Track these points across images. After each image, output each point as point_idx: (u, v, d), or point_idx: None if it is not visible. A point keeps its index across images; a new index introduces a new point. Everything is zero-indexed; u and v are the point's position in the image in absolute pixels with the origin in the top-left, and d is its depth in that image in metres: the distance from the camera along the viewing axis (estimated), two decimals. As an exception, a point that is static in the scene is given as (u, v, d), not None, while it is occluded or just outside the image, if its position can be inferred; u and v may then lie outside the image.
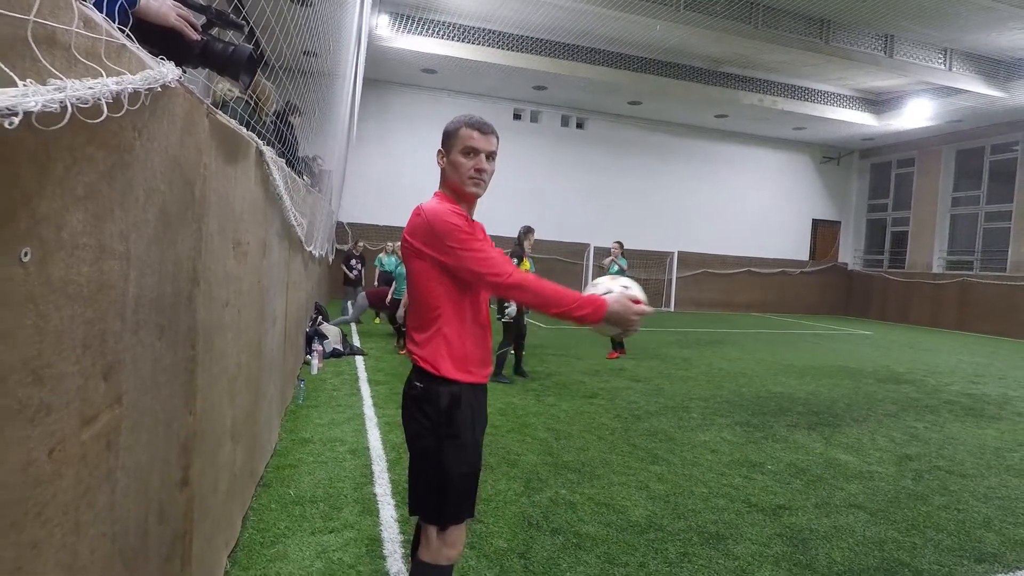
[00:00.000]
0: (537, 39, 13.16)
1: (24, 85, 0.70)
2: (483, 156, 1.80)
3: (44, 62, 0.77)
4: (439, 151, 1.87)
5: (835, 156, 20.04)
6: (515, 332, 6.67)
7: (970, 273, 16.50)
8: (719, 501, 3.53)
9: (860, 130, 17.12)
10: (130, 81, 0.99)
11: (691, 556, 2.86)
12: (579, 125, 17.39)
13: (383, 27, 12.02)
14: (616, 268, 8.70)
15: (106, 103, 0.91)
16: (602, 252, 17.40)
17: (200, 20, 1.85)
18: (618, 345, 8.61)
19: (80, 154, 0.94)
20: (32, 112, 0.68)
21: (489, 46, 12.90)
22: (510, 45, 13.06)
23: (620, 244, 9.20)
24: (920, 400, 6.70)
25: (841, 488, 3.85)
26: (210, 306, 1.93)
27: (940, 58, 12.91)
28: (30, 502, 0.84)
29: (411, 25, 12.34)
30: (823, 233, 20.30)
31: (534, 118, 16.76)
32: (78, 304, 0.96)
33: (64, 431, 0.93)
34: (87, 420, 1.02)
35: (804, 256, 20.07)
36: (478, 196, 1.85)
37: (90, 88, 0.83)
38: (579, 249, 17.14)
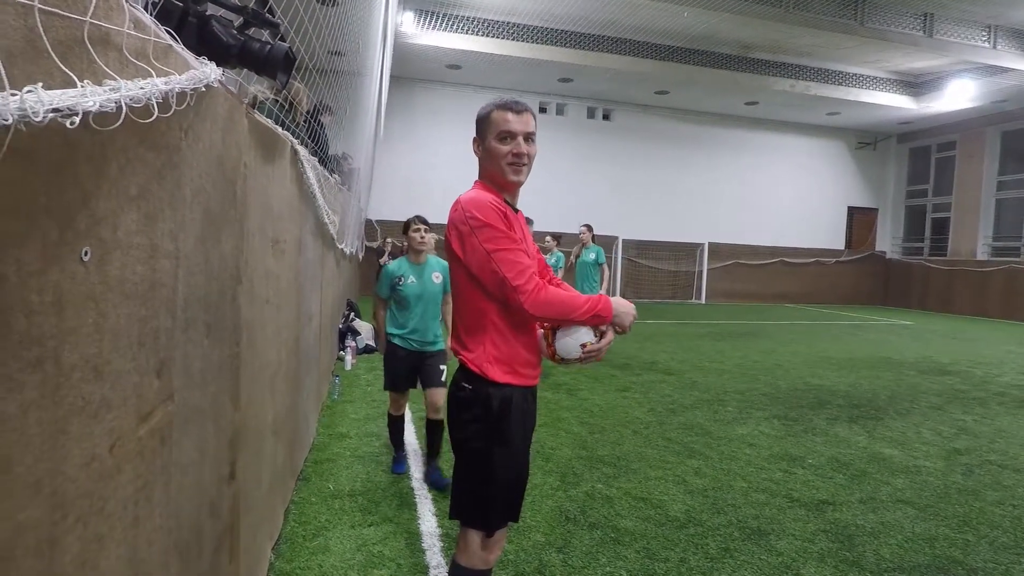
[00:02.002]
0: (561, 31, 13.05)
1: (82, 86, 0.70)
2: (520, 139, 1.67)
3: (100, 63, 0.77)
4: (474, 139, 1.77)
5: (871, 141, 19.42)
6: None
7: (1017, 260, 15.84)
8: (759, 496, 3.46)
9: (897, 114, 16.55)
10: (177, 81, 1.00)
11: (733, 552, 2.81)
12: (605, 117, 17.22)
13: (408, 24, 12.06)
14: (592, 257, 7.19)
15: (156, 103, 0.91)
16: (631, 244, 17.25)
17: (237, 20, 1.87)
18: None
19: (132, 154, 0.95)
20: (90, 112, 0.69)
21: (513, 39, 12.84)
22: (534, 38, 12.98)
23: (589, 228, 7.38)
24: (967, 392, 6.46)
25: (887, 483, 3.73)
26: (252, 303, 1.96)
27: (984, 36, 12.38)
28: (94, 496, 0.85)
29: (435, 21, 12.36)
30: (859, 221, 19.72)
31: (560, 111, 16.65)
32: (133, 302, 0.98)
33: (123, 427, 0.95)
34: (143, 416, 1.04)
35: (839, 245, 19.54)
36: (520, 184, 1.73)
37: (142, 88, 0.84)
38: (607, 243, 16.97)
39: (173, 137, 1.15)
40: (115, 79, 0.78)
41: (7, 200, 0.64)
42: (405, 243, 3.65)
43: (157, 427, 1.11)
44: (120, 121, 0.78)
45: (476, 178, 1.81)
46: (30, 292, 0.67)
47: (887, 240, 19.91)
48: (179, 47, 1.12)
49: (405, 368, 3.55)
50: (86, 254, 0.80)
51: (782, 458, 4.12)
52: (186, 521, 1.32)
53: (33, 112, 0.59)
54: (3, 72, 0.58)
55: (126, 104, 0.79)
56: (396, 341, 3.55)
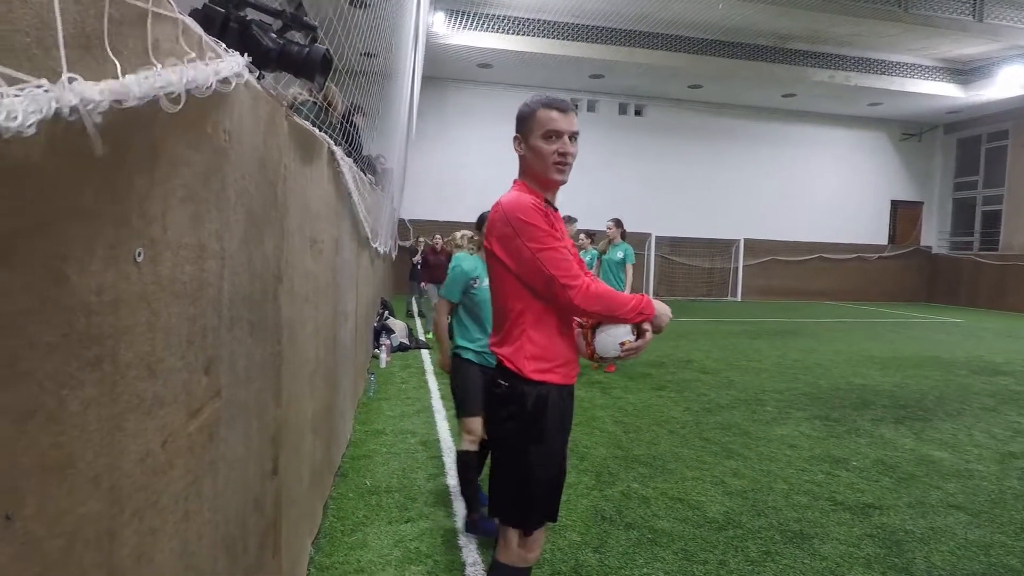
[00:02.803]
0: (592, 27, 12.95)
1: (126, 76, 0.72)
2: (566, 138, 1.67)
3: (153, 59, 0.79)
4: (515, 137, 1.74)
5: (916, 132, 18.71)
6: None
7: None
8: (801, 498, 3.37)
9: (944, 103, 15.91)
10: (220, 74, 1.02)
11: (774, 555, 2.75)
12: (637, 112, 17.02)
13: (439, 25, 12.14)
14: (619, 256, 6.63)
15: (200, 98, 0.93)
16: (664, 241, 17.02)
17: (275, 25, 1.90)
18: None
19: (180, 157, 0.98)
20: (137, 99, 0.71)
21: (544, 37, 12.81)
22: (565, 35, 12.91)
23: (618, 223, 6.73)
24: (1020, 394, 6.17)
25: (937, 487, 3.59)
26: (292, 302, 2.00)
27: (1038, 19, 11.80)
28: (149, 491, 0.88)
29: (466, 21, 12.41)
30: (903, 215, 19.03)
31: (591, 107, 16.53)
32: (183, 301, 1.00)
33: (174, 424, 0.97)
34: (193, 413, 1.07)
35: (882, 240, 18.90)
36: (563, 183, 1.72)
37: (183, 74, 0.86)
38: (640, 239, 16.80)
39: (218, 140, 1.18)
40: (156, 66, 0.80)
41: (68, 203, 0.65)
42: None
43: (206, 423, 1.14)
44: (181, 104, 0.80)
45: (514, 177, 1.80)
46: (89, 292, 0.69)
47: (933, 234, 19.16)
48: (221, 48, 1.14)
49: (480, 388, 2.77)
50: (139, 254, 0.82)
51: (824, 460, 4.00)
52: (232, 516, 1.35)
53: (86, 102, 0.61)
54: (64, 58, 0.60)
55: (184, 91, 0.80)
56: (469, 356, 2.89)
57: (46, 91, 0.58)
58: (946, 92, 15.06)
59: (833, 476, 3.72)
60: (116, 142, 0.76)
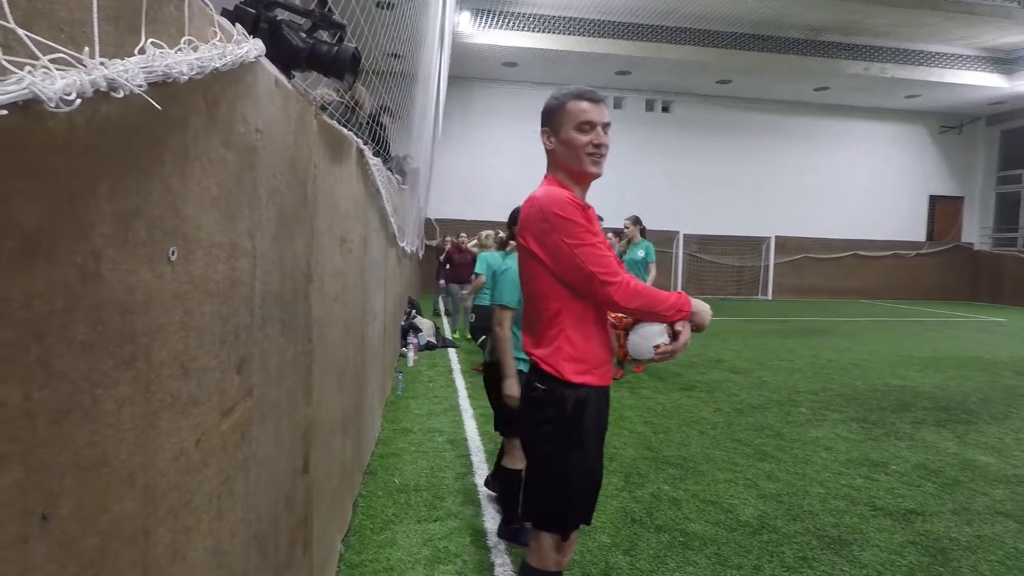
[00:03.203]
0: (618, 23, 12.82)
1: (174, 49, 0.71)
2: (599, 128, 1.63)
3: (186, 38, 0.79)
4: (544, 131, 1.69)
5: (956, 124, 18.06)
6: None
7: None
8: (839, 503, 3.27)
9: (987, 93, 15.32)
10: (248, 54, 1.01)
11: (811, 561, 2.67)
12: (665, 109, 16.80)
13: (464, 24, 12.17)
14: (640, 255, 6.24)
15: (231, 87, 0.93)
16: (693, 239, 16.78)
17: (305, 24, 1.91)
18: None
19: (214, 155, 0.98)
20: (183, 76, 0.70)
21: (569, 34, 12.73)
22: (591, 31, 12.81)
23: (636, 221, 6.40)
24: (1073, 395, 5.89)
25: (983, 493, 3.45)
26: (322, 301, 2.00)
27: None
28: (182, 489, 0.88)
29: (491, 20, 12.41)
30: (942, 210, 18.39)
31: (617, 104, 16.37)
32: (216, 300, 1.00)
33: (208, 422, 0.97)
34: (225, 412, 1.07)
35: (920, 237, 18.30)
36: (598, 176, 1.66)
37: (223, 55, 0.85)
38: (668, 237, 16.60)
39: (250, 138, 1.18)
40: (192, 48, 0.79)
41: (103, 201, 0.65)
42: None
43: (238, 422, 1.14)
44: (225, 62, 0.79)
45: (545, 173, 1.76)
46: (124, 291, 0.69)
47: (975, 230, 18.48)
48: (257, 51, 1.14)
49: None
50: (173, 253, 0.82)
51: (862, 463, 3.88)
52: (264, 513, 1.35)
53: (126, 78, 0.60)
54: (96, 35, 0.60)
55: (217, 67, 0.80)
56: (520, 367, 2.57)
57: (86, 67, 0.57)
58: (989, 82, 14.50)
59: (872, 480, 3.60)
60: (150, 141, 0.76)
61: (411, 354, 6.63)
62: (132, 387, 0.72)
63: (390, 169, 5.37)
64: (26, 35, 0.48)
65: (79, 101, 0.56)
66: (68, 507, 0.59)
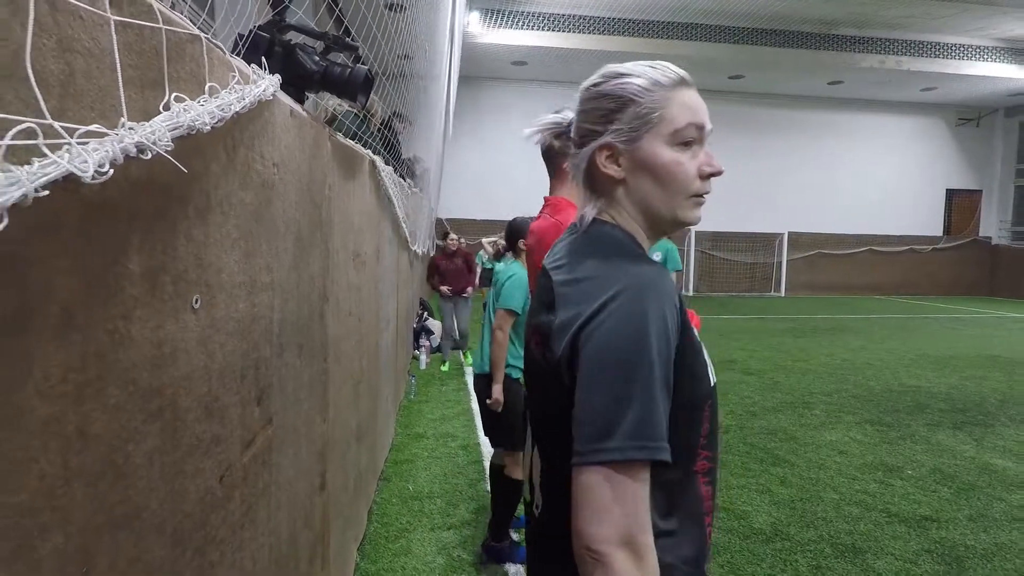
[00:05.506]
0: (628, 20, 12.75)
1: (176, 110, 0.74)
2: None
3: (206, 87, 0.81)
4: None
5: (974, 117, 17.76)
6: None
7: None
8: (853, 509, 3.26)
9: (1006, 85, 15.04)
10: (265, 92, 1.04)
11: (825, 570, 2.67)
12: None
13: (474, 23, 12.17)
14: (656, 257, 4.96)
15: (248, 129, 0.95)
16: (705, 236, 16.67)
17: (319, 46, 1.94)
18: None
19: (233, 199, 1.00)
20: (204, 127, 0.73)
21: (579, 32, 12.69)
22: (601, 29, 12.76)
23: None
24: (1094, 396, 5.81)
25: (1001, 499, 3.42)
26: (337, 319, 2.04)
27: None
28: (208, 526, 0.91)
29: (501, 19, 12.41)
30: (960, 204, 18.12)
31: (628, 101, 16.28)
32: (236, 339, 1.03)
33: (231, 458, 1.00)
34: (247, 444, 1.10)
35: (937, 231, 18.05)
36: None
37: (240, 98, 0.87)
38: (679, 236, 16.50)
39: (267, 174, 1.21)
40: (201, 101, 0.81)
41: (132, 265, 0.68)
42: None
43: (259, 452, 1.17)
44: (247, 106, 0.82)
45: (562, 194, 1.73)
46: (152, 347, 0.72)
47: (993, 224, 18.18)
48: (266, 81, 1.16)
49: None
50: (197, 302, 0.85)
51: (877, 468, 3.86)
52: (285, 536, 1.38)
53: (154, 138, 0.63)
54: (123, 98, 0.62)
55: (238, 109, 0.82)
56: (518, 376, 2.52)
57: (110, 135, 0.60)
58: (1008, 73, 14.23)
59: (887, 485, 3.59)
60: (173, 195, 0.79)
61: (423, 357, 6.67)
62: (160, 438, 0.75)
63: (402, 175, 5.40)
64: (60, 127, 0.51)
65: (112, 171, 0.59)
66: (104, 563, 0.62)
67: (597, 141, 0.89)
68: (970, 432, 4.61)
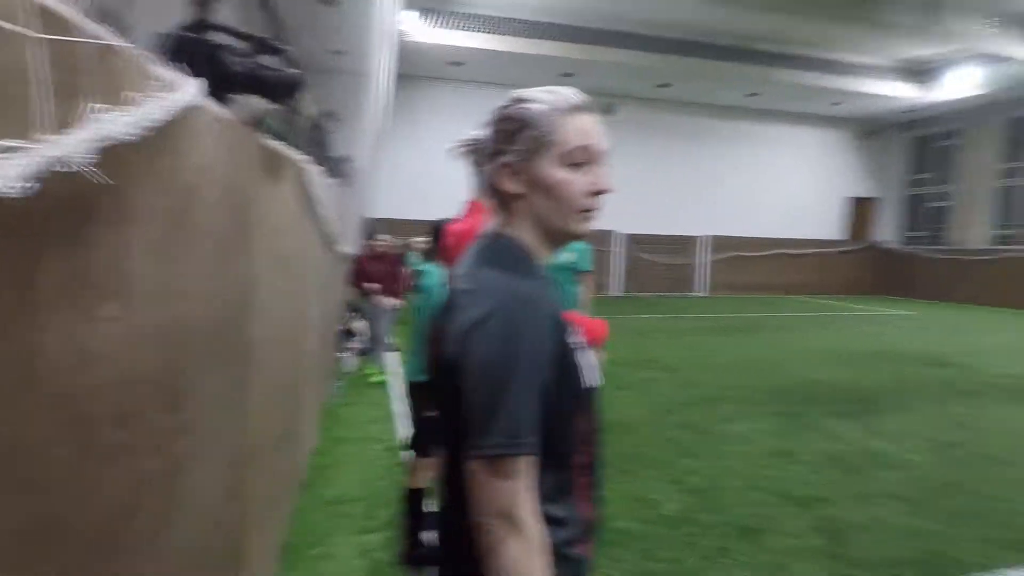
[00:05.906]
0: (563, 25, 13.05)
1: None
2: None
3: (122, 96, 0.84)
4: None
5: (874, 131, 19.39)
6: None
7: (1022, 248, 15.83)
8: (754, 494, 3.54)
9: (900, 103, 16.51)
10: (184, 100, 1.06)
11: (728, 551, 2.90)
12: (607, 111, 17.19)
13: (410, 22, 12.07)
14: (570, 259, 4.58)
15: (168, 134, 0.98)
16: (628, 239, 17.24)
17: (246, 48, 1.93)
18: None
19: (152, 206, 1.02)
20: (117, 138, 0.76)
21: (515, 35, 12.87)
22: (536, 33, 12.99)
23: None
24: (962, 385, 6.52)
25: (879, 478, 3.81)
26: (260, 324, 2.03)
27: (989, 23, 12.30)
28: (119, 535, 0.93)
29: (437, 19, 12.38)
30: (860, 211, 19.75)
31: (560, 104, 16.60)
32: (152, 346, 1.05)
33: (144, 466, 1.02)
34: (160, 452, 1.12)
35: (841, 235, 19.58)
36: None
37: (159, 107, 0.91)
38: (605, 236, 17.02)
39: (188, 178, 1.22)
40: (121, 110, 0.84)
41: (46, 273, 0.70)
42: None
43: (173, 460, 1.19)
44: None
45: (477, 199, 1.83)
46: (65, 355, 0.75)
47: (890, 229, 19.91)
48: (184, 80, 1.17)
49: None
50: (113, 310, 0.87)
51: (778, 455, 4.20)
52: (200, 545, 1.40)
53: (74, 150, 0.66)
54: (43, 111, 0.65)
55: (156, 120, 0.85)
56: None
57: (31, 149, 0.62)
58: (902, 92, 15.63)
59: (785, 471, 3.92)
60: (93, 204, 0.81)
61: (349, 359, 6.59)
62: (72, 446, 0.77)
63: (332, 172, 5.33)
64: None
65: (36, 186, 0.61)
66: (11, 574, 0.65)
67: (500, 159, 0.98)
68: (859, 420, 5.09)
